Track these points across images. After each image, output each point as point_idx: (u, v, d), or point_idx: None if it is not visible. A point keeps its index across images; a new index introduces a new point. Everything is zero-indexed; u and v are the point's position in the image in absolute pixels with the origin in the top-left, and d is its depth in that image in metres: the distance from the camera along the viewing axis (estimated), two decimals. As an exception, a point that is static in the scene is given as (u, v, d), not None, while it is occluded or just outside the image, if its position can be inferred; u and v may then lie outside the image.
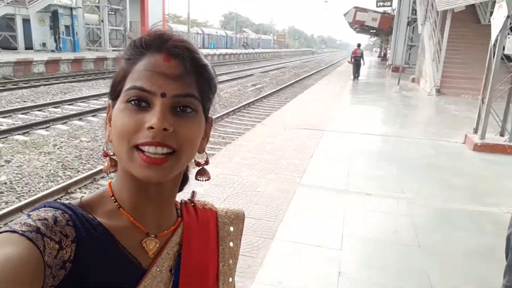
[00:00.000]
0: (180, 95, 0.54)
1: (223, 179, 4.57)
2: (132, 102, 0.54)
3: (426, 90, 14.08)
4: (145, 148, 0.53)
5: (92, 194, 0.62)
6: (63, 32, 20.94)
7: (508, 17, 5.98)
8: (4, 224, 3.79)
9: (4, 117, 8.48)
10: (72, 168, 5.68)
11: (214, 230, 0.70)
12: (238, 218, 0.75)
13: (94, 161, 6.07)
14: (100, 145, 6.81)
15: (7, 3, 17.42)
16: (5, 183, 4.94)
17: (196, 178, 0.67)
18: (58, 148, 6.52)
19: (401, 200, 4.28)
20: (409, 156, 6.16)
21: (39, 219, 0.50)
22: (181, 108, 0.55)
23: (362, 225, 3.64)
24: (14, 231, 0.47)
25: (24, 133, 7.30)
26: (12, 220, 3.63)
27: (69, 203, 0.57)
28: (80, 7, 22.31)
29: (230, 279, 0.70)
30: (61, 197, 4.62)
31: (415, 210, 4.05)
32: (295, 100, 12.07)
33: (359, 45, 18.44)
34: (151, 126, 0.52)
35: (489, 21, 15.29)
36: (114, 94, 0.58)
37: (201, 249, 0.66)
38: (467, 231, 3.64)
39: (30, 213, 0.52)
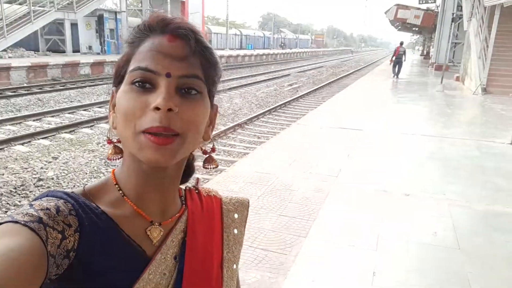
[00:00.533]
0: (185, 75, 0.54)
1: (258, 177, 4.60)
2: (137, 84, 0.53)
3: (471, 89, 13.45)
4: (154, 131, 0.52)
5: (95, 182, 0.61)
6: (107, 35, 21.87)
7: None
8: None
9: (52, 116, 8.97)
10: (114, 165, 5.92)
11: (219, 217, 0.70)
12: (242, 205, 0.74)
13: (134, 158, 6.29)
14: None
15: (58, 9, 18.40)
16: (52, 178, 5.23)
17: (204, 166, 0.67)
18: (101, 146, 6.82)
19: (441, 201, 4.12)
20: (451, 156, 5.91)
21: (41, 209, 0.49)
22: (186, 89, 0.54)
23: (399, 225, 3.55)
24: (16, 222, 0.46)
25: (70, 131, 7.68)
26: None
27: (72, 192, 0.57)
28: (124, 11, 23.20)
29: (234, 266, 0.70)
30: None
31: (456, 212, 3.88)
32: (332, 99, 11.91)
33: (401, 43, 17.92)
34: (157, 107, 0.51)
35: (542, 15, 14.37)
36: (118, 78, 0.57)
37: (206, 236, 0.65)
38: (511, 234, 3.45)
39: (32, 202, 0.51)
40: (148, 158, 0.52)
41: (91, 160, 6.03)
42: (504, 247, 3.22)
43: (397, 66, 17.44)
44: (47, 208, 0.50)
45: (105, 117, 8.84)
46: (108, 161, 0.62)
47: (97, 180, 0.63)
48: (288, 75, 21.60)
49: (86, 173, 5.50)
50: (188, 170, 0.66)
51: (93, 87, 13.82)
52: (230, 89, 13.79)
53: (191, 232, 0.64)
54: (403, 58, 17.56)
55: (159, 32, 0.55)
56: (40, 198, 0.54)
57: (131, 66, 0.54)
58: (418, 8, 27.57)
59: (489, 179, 4.91)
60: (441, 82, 13.91)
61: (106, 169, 5.72)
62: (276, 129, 8.77)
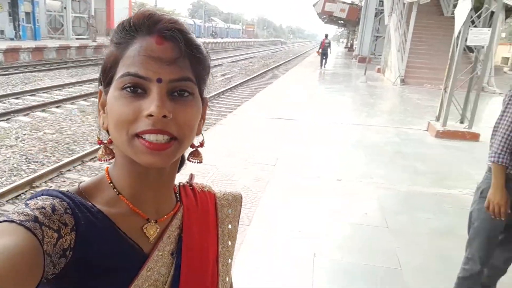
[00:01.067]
0: (176, 79, 0.53)
1: (198, 169, 4.57)
2: (128, 89, 0.52)
3: (391, 80, 14.52)
4: (146, 136, 0.52)
5: (89, 181, 0.61)
6: (23, 19, 19.95)
7: (471, 9, 6.26)
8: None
9: (-39, 108, 8.07)
10: (37, 162, 5.50)
11: (213, 212, 0.71)
12: (236, 201, 0.76)
13: (59, 153, 5.89)
14: (66, 137, 6.63)
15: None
16: (-34, 178, 4.74)
17: (188, 159, 0.67)
18: (20, 141, 6.29)
19: (369, 185, 4.47)
20: (376, 143, 6.39)
21: (37, 208, 0.49)
22: (178, 92, 0.54)
23: (334, 209, 3.79)
24: (11, 221, 0.46)
25: (-16, 125, 6.98)
26: (-21, 214, 3.52)
27: (67, 191, 0.57)
28: (42, -7, 21.34)
29: (229, 260, 0.71)
30: (26, 191, 4.49)
31: (382, 194, 4.24)
32: (265, 90, 12.14)
33: (326, 36, 18.93)
34: (150, 114, 0.51)
35: (452, 14, 15.84)
36: (106, 80, 0.56)
37: (201, 232, 0.66)
38: (430, 212, 3.86)
39: (28, 202, 0.51)
40: (145, 161, 0.53)
41: (9, 157, 5.54)
42: (425, 224, 3.60)
43: (324, 58, 18.40)
44: (42, 207, 0.50)
45: (24, 109, 8.17)
46: (98, 161, 0.60)
47: (92, 178, 0.62)
48: (221, 65, 21.52)
49: (5, 171, 5.05)
50: (181, 161, 0.67)
51: (7, 76, 12.57)
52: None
53: (186, 228, 0.64)
54: (329, 51, 18.68)
55: (146, 32, 0.54)
56: (35, 197, 0.53)
57: (121, 71, 0.53)
58: (344, 2, 28.88)
59: (409, 163, 5.40)
60: (365, 73, 14.84)
61: (28, 165, 5.30)
62: (211, 120, 8.76)
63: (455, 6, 15.09)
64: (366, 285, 2.67)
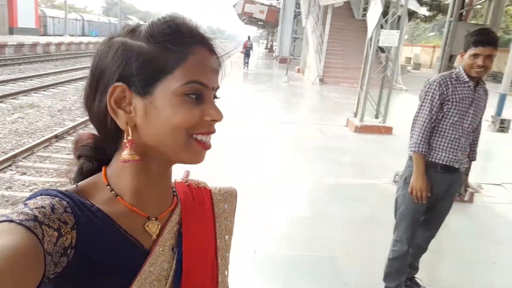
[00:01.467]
0: (218, 87, 0.62)
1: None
2: (191, 96, 0.56)
3: (311, 79, 15.22)
4: (201, 137, 0.59)
5: (87, 181, 0.61)
6: None
7: (382, 13, 6.80)
8: None
9: None
10: None
11: (210, 208, 0.72)
12: (231, 196, 0.78)
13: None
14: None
15: None
16: None
17: None
18: None
19: (300, 179, 4.64)
20: (300, 140, 6.66)
21: (36, 207, 0.49)
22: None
23: (269, 205, 3.87)
24: (11, 221, 0.46)
25: None
26: None
27: (66, 190, 0.57)
28: None
29: (227, 254, 0.74)
30: None
31: (312, 187, 4.43)
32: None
33: (249, 37, 19.53)
34: (215, 119, 0.59)
35: (363, 16, 17.04)
36: (146, 81, 0.56)
37: (200, 227, 0.68)
38: (355, 201, 4.13)
39: (27, 202, 0.51)
40: (195, 160, 0.59)
41: None
42: (353, 213, 3.84)
43: (246, 58, 18.84)
44: (42, 207, 0.50)
45: None
46: (123, 163, 0.58)
47: (89, 178, 0.62)
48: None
49: None
50: None
51: None
52: (67, 82, 12.29)
53: (185, 223, 0.66)
54: (251, 52, 19.44)
55: (201, 44, 0.58)
56: (34, 197, 0.53)
57: (183, 78, 0.56)
58: (263, 4, 29.59)
59: (333, 157, 5.72)
60: (286, 74, 15.35)
61: None
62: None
63: (364, 9, 16.36)
64: (307, 275, 2.78)
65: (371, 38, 7.20)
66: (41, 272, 0.45)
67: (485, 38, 2.12)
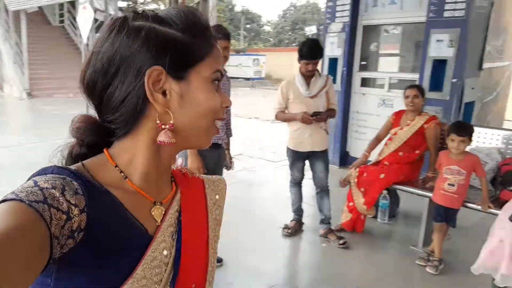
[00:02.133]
0: None
1: None
2: (216, 82, 0.62)
3: (15, 95, 13.19)
4: (218, 122, 0.64)
5: (92, 160, 0.61)
6: None
7: (94, 17, 6.69)
8: None
9: None
10: None
11: (203, 197, 0.74)
12: (222, 186, 0.80)
13: None
14: None
15: None
16: None
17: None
18: None
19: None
20: (34, 162, 5.82)
21: (47, 188, 0.48)
22: None
23: None
24: (21, 200, 0.45)
25: None
26: None
27: (75, 169, 0.56)
28: None
29: (216, 245, 0.75)
30: None
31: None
32: None
33: None
34: (228, 106, 0.65)
35: (60, 23, 15.96)
36: (185, 67, 0.59)
37: (195, 216, 0.70)
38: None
39: (37, 180, 0.50)
40: (207, 144, 0.65)
41: None
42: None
43: None
44: (52, 187, 0.49)
45: None
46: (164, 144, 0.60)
47: (93, 158, 0.61)
48: None
49: None
50: None
51: None
52: None
53: (184, 210, 0.67)
54: None
55: (215, 35, 0.65)
56: (45, 173, 0.52)
57: (211, 66, 0.61)
58: None
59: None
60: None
61: None
62: None
63: (61, 15, 15.40)
64: None
65: (87, 44, 7.00)
66: (46, 256, 0.45)
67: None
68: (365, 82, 5.61)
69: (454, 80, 4.43)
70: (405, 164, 3.44)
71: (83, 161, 0.60)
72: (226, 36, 2.56)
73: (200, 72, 0.60)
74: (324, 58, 5.67)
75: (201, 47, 0.61)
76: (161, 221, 0.63)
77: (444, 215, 2.94)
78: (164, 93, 0.58)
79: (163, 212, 0.64)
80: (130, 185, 0.60)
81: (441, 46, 4.50)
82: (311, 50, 3.23)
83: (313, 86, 3.33)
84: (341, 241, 3.34)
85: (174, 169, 0.73)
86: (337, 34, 5.59)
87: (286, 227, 3.58)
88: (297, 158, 3.44)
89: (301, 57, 3.22)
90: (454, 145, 2.84)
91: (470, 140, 2.84)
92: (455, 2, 4.36)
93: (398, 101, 5.08)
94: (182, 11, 0.61)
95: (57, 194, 0.48)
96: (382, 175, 3.43)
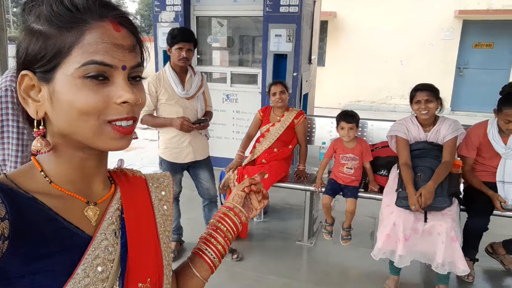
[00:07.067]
0: (135, 65, 0.58)
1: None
2: (91, 78, 0.54)
3: None
4: (119, 123, 0.57)
5: (18, 170, 0.60)
6: None
7: None
8: None
9: None
10: None
11: (147, 195, 0.73)
12: (168, 182, 0.79)
13: None
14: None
15: None
16: None
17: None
18: None
19: None
20: None
21: None
22: (132, 77, 0.59)
23: None
24: None
25: None
26: None
27: None
28: None
29: (169, 239, 0.75)
30: None
31: None
32: None
33: None
34: (125, 101, 0.56)
35: None
36: (45, 67, 0.55)
37: (140, 213, 0.69)
38: None
39: None
40: (114, 146, 0.59)
41: None
42: None
43: None
44: None
45: None
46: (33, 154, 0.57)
47: (19, 168, 0.61)
48: None
49: None
50: None
51: None
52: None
53: (126, 208, 0.67)
54: None
55: (98, 17, 0.54)
56: None
57: (80, 58, 0.53)
58: None
59: None
60: None
61: None
62: None
63: None
64: None
65: None
66: None
67: None
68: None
69: (294, 74, 4.66)
70: (281, 160, 3.39)
71: (5, 173, 0.58)
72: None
73: (65, 70, 0.54)
74: (158, 51, 5.13)
75: (66, 39, 0.53)
76: (99, 220, 0.63)
77: (337, 191, 3.06)
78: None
79: (98, 212, 0.63)
80: (57, 189, 0.60)
81: (280, 40, 4.65)
82: (184, 30, 2.78)
83: (190, 85, 2.86)
84: (235, 255, 3.04)
85: (114, 170, 0.73)
86: (169, 24, 5.11)
87: (166, 251, 3.03)
88: (175, 170, 2.91)
89: (173, 41, 2.70)
90: (345, 133, 2.94)
91: (357, 126, 2.98)
92: (290, -2, 4.56)
93: (242, 95, 5.10)
94: None
95: None
96: (266, 175, 3.28)
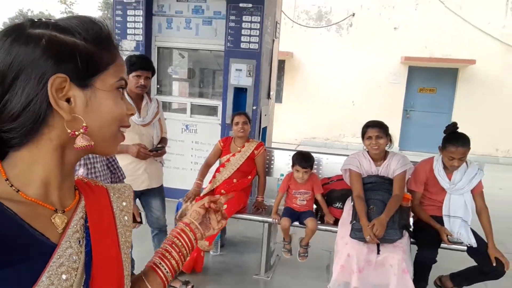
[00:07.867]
0: None
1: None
2: (120, 89, 0.67)
3: None
4: (123, 129, 0.69)
5: None
6: None
7: None
8: None
9: None
10: None
11: (109, 205, 0.75)
12: (128, 193, 0.81)
13: None
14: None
15: None
16: None
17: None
18: None
19: None
20: None
21: None
22: None
23: None
24: None
25: None
26: None
27: None
28: None
29: (130, 250, 0.76)
30: None
31: None
32: None
33: None
34: (133, 113, 0.71)
35: None
36: (89, 75, 0.63)
37: (103, 222, 0.70)
38: None
39: None
40: (114, 150, 0.69)
41: None
42: None
43: None
44: None
45: None
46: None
47: None
48: None
49: None
50: None
51: None
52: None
53: (90, 217, 0.68)
54: None
55: (117, 46, 0.69)
56: None
57: (116, 74, 0.66)
58: None
59: None
60: None
61: None
62: None
63: None
64: None
65: None
66: None
67: None
68: (163, 107, 5.32)
69: (254, 107, 4.76)
70: (240, 191, 3.39)
71: None
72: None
73: (105, 80, 0.64)
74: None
75: (105, 57, 0.64)
76: (64, 228, 0.63)
77: (295, 217, 3.11)
78: (68, 101, 0.60)
79: (65, 220, 0.64)
80: (24, 197, 0.60)
81: (240, 75, 4.77)
82: (143, 58, 2.78)
83: (146, 112, 2.83)
84: (189, 287, 2.94)
85: (76, 178, 0.73)
86: (130, 52, 5.08)
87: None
88: (129, 198, 2.81)
89: (131, 68, 2.69)
90: (299, 175, 3.03)
91: (311, 169, 3.07)
92: (250, 35, 4.73)
93: (202, 126, 5.10)
94: (83, 21, 0.63)
95: None
96: (224, 206, 3.25)
